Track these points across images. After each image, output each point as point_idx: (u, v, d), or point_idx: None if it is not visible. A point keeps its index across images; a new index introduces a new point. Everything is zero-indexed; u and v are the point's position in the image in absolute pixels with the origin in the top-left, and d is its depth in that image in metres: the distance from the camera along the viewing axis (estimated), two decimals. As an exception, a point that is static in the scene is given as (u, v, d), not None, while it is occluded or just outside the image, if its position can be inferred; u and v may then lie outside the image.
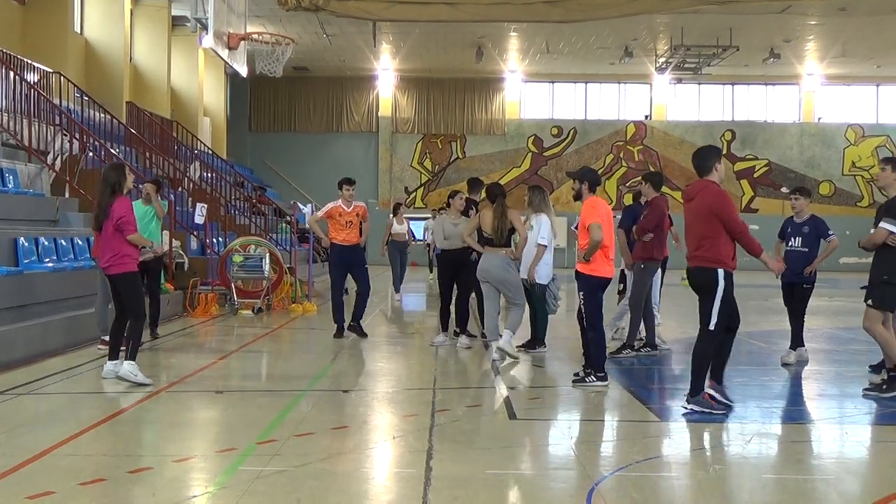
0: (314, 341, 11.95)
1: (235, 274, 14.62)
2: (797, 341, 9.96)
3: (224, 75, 31.10)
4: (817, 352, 10.86)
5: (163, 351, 10.07)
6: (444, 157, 35.68)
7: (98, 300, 9.74)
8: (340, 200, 11.47)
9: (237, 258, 14.67)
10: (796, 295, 9.93)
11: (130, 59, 23.39)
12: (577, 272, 8.47)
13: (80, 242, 12.68)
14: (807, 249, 9.76)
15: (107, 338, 8.73)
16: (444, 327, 11.10)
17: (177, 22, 24.92)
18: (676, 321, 13.29)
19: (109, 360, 8.17)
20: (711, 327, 6.87)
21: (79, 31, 21.57)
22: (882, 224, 7.72)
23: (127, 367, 7.94)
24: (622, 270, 11.15)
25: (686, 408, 6.96)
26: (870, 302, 7.86)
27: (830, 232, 9.83)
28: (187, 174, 20.43)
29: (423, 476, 5.20)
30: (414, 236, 20.52)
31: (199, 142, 25.79)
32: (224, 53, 17.48)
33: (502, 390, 8.14)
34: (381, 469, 5.59)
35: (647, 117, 35.84)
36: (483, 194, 10.55)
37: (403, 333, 12.86)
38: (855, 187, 35.67)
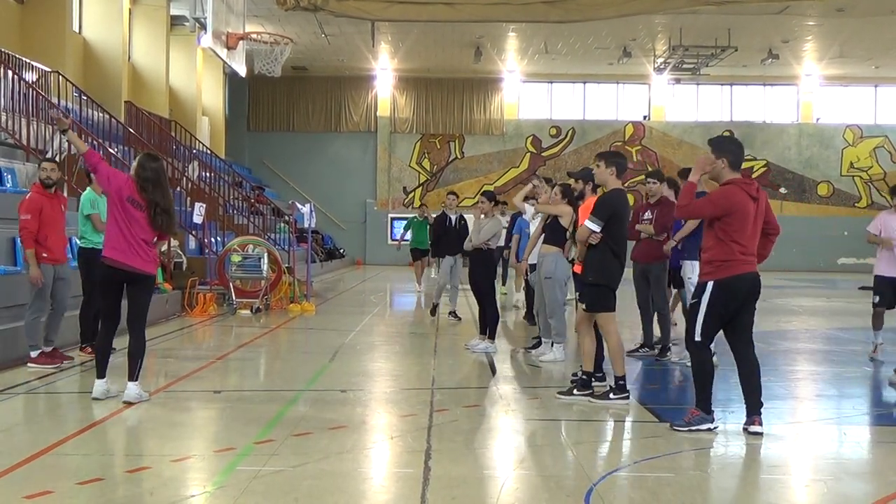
0: (312, 341, 11.95)
1: (234, 273, 14.61)
2: None
3: (222, 75, 31.08)
4: (815, 352, 10.87)
5: (161, 351, 10.05)
6: (443, 157, 35.67)
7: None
8: None
9: (235, 258, 14.65)
10: None
11: (129, 58, 23.37)
12: (573, 273, 8.46)
13: (78, 242, 12.62)
14: None
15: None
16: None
17: (175, 21, 24.92)
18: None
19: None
20: None
21: (77, 31, 21.55)
22: (586, 223, 7.42)
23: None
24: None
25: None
26: (584, 306, 7.64)
27: None
28: (185, 174, 20.42)
29: (422, 476, 5.20)
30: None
31: (197, 141, 25.79)
32: (222, 53, 17.49)
33: (501, 390, 8.15)
34: (379, 469, 5.59)
35: (645, 118, 35.85)
36: (558, 194, 9.42)
37: (401, 334, 12.83)
38: (853, 188, 35.69)
